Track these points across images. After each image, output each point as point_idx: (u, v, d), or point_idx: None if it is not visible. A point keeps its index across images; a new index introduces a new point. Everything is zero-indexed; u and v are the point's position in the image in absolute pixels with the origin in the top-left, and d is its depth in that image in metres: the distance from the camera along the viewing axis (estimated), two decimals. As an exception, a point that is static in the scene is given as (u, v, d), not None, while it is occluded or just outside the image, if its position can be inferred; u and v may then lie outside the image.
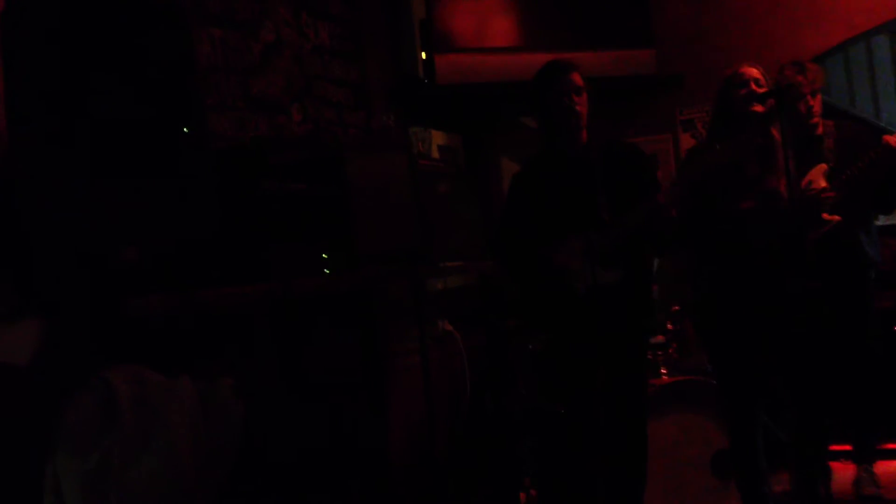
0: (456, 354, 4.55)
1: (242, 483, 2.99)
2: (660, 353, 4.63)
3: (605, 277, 3.78)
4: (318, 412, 3.59)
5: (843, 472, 4.36)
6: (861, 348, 4.47)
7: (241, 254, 3.10)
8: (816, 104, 4.35)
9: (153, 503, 2.56)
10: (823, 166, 4.25)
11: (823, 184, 4.20)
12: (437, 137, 4.98)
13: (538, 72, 4.00)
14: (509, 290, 4.66)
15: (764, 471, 4.01)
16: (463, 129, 5.34)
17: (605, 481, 3.90)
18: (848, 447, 4.59)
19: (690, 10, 6.07)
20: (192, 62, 3.21)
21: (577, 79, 3.88)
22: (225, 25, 3.90)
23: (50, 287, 2.64)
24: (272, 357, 3.45)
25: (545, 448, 4.53)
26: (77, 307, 2.63)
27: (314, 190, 3.46)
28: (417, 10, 5.13)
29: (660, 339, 4.68)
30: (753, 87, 3.89)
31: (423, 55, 5.08)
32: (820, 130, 4.38)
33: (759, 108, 3.86)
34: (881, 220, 4.78)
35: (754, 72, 3.93)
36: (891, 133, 4.12)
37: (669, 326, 4.75)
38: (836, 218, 4.08)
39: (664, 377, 4.54)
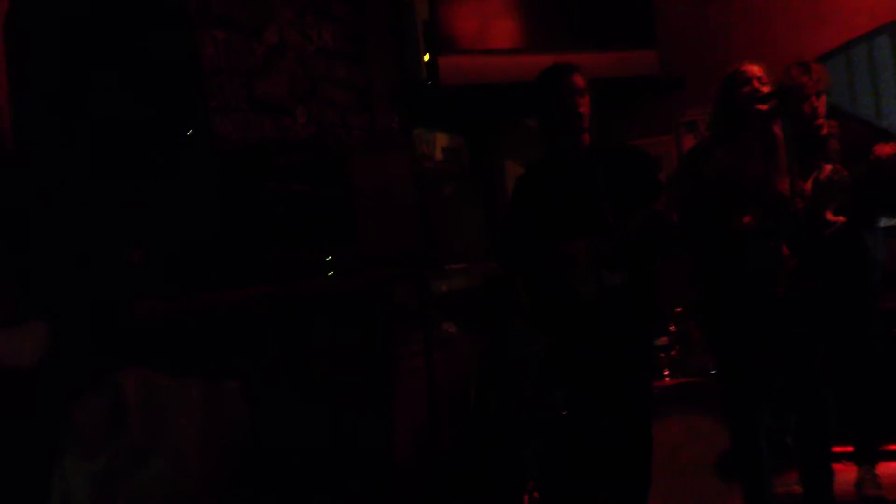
0: (460, 357, 4.55)
1: (247, 484, 2.99)
2: (663, 354, 4.64)
3: (610, 280, 3.79)
4: (322, 414, 3.59)
5: (844, 474, 4.35)
6: (864, 349, 4.47)
7: (245, 256, 3.10)
8: (821, 105, 4.34)
9: (160, 505, 2.57)
10: (829, 167, 4.25)
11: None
12: (441, 139, 4.98)
13: (540, 74, 4.00)
14: (513, 292, 4.66)
15: (768, 472, 4.01)
16: (466, 131, 5.34)
17: (610, 483, 3.90)
18: (850, 448, 4.59)
19: (693, 12, 6.07)
20: (196, 64, 3.22)
21: (579, 81, 3.88)
22: (228, 27, 3.90)
23: (55, 289, 2.64)
24: (276, 359, 3.45)
25: (549, 451, 4.54)
26: (82, 309, 2.63)
27: (318, 192, 3.46)
28: (421, 11, 5.13)
29: (663, 340, 4.69)
30: (756, 84, 3.89)
31: (427, 57, 5.08)
32: (825, 131, 4.37)
33: (762, 107, 3.86)
34: (885, 222, 4.77)
35: (757, 70, 3.93)
36: (891, 135, 4.12)
37: (672, 328, 4.75)
38: (841, 219, 4.08)
39: (667, 379, 4.54)
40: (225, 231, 2.95)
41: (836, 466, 4.09)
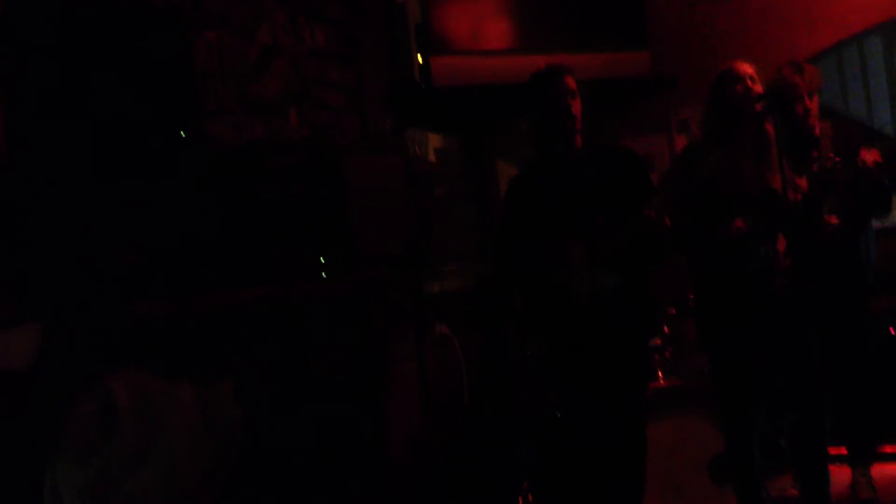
0: (454, 358, 4.55)
1: (242, 486, 2.98)
2: (656, 356, 4.64)
3: (603, 282, 3.79)
4: (317, 415, 3.58)
5: (839, 476, 4.35)
6: (858, 350, 4.48)
7: (239, 257, 3.10)
8: (814, 105, 4.35)
9: (153, 510, 2.56)
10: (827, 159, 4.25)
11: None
12: (434, 140, 4.97)
13: (532, 76, 4.00)
14: (507, 293, 4.66)
15: (761, 475, 4.01)
16: (460, 132, 5.33)
17: (604, 484, 3.90)
18: (844, 450, 4.59)
19: (684, 12, 6.08)
20: (190, 65, 3.21)
21: (570, 82, 3.89)
22: (221, 29, 3.89)
23: (50, 291, 2.63)
24: (271, 360, 3.44)
25: (544, 452, 4.53)
26: (76, 312, 2.62)
27: (311, 193, 3.45)
28: (413, 13, 5.12)
29: (656, 342, 4.69)
30: (749, 84, 3.89)
31: (420, 58, 5.08)
32: (817, 132, 4.38)
33: (756, 106, 3.86)
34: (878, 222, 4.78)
35: (748, 69, 3.94)
36: (883, 136, 4.13)
37: (666, 330, 4.75)
38: (834, 219, 4.09)
39: (661, 381, 4.54)
40: (219, 232, 2.95)
41: (831, 468, 4.09)
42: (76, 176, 2.64)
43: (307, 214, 3.41)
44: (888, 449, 4.85)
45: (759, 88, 3.93)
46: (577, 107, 3.88)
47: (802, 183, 3.88)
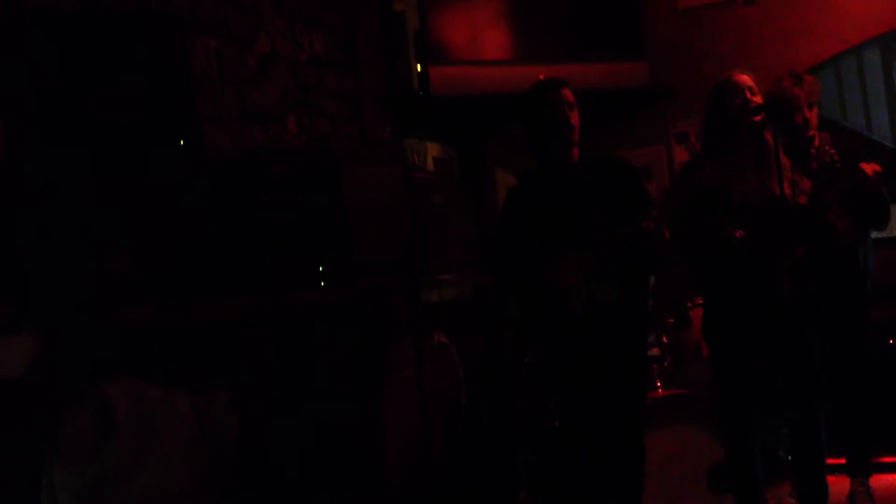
0: (451, 366, 4.54)
1: (238, 494, 2.97)
2: (655, 366, 4.63)
3: (601, 295, 3.79)
4: (315, 423, 3.57)
5: (837, 487, 4.35)
6: (857, 361, 4.48)
7: (237, 265, 3.10)
8: (813, 116, 4.36)
9: (150, 517, 2.55)
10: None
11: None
12: (432, 149, 4.97)
13: (530, 88, 4.01)
14: (504, 302, 4.66)
15: (761, 484, 4.00)
16: (458, 141, 5.34)
17: (602, 494, 3.90)
18: (843, 460, 4.58)
19: (682, 23, 6.09)
20: (188, 72, 3.21)
21: (568, 94, 3.90)
22: (220, 37, 3.89)
23: (45, 298, 2.62)
24: (269, 368, 3.44)
25: (541, 461, 4.52)
26: (73, 319, 2.61)
27: (309, 201, 3.45)
28: (412, 22, 5.14)
29: (655, 352, 4.68)
30: (748, 95, 3.89)
31: (418, 67, 5.08)
32: (816, 142, 4.38)
33: (756, 118, 3.87)
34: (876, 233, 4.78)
35: (747, 80, 3.94)
36: (882, 147, 4.14)
37: (665, 339, 4.74)
38: (839, 223, 4.09)
39: (659, 390, 4.53)
40: (217, 240, 2.94)
41: (830, 479, 4.09)
42: (74, 182, 2.63)
43: (305, 222, 3.40)
44: (887, 459, 4.85)
45: (757, 99, 3.93)
46: (574, 118, 3.89)
47: (805, 187, 3.88)
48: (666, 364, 4.69)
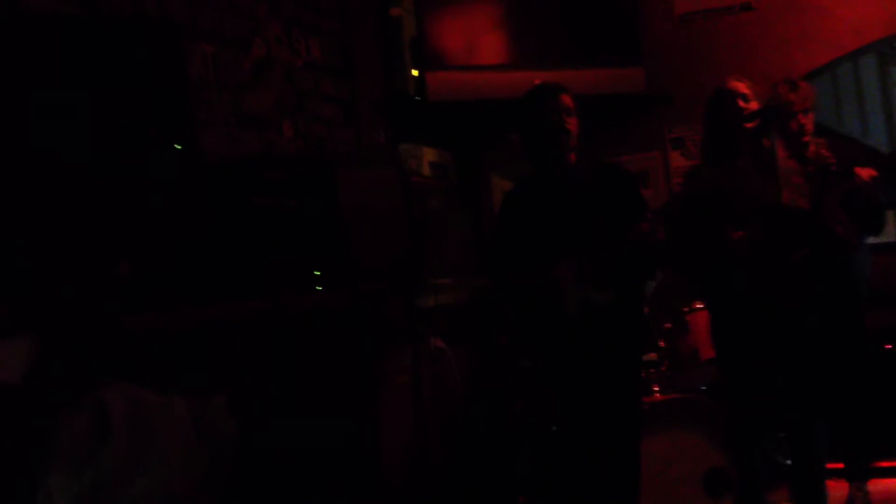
0: (448, 372, 4.54)
1: (236, 498, 2.96)
2: (652, 370, 4.63)
3: (597, 299, 3.79)
4: (311, 428, 3.57)
5: (835, 491, 4.35)
6: (854, 366, 4.47)
7: (233, 269, 3.09)
8: (808, 122, 4.36)
9: (146, 522, 2.54)
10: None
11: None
12: (429, 154, 4.97)
13: (527, 93, 4.02)
14: (501, 307, 4.66)
15: (765, 492, 4.01)
16: (454, 146, 5.34)
17: (599, 499, 3.90)
18: (841, 465, 4.58)
19: (679, 29, 6.10)
20: (185, 78, 3.21)
21: (567, 100, 3.91)
22: (216, 41, 3.89)
23: (43, 302, 2.62)
24: (265, 373, 3.43)
25: (539, 466, 4.52)
26: (70, 323, 2.61)
27: (305, 206, 3.45)
28: (408, 27, 5.14)
29: (652, 356, 4.68)
30: (741, 103, 3.91)
31: (415, 72, 5.09)
32: (812, 149, 4.39)
33: (749, 125, 3.88)
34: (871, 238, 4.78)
35: (742, 87, 3.96)
36: (878, 153, 4.14)
37: (661, 344, 4.74)
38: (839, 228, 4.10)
39: (656, 395, 4.53)
40: (213, 244, 2.94)
41: (828, 483, 4.09)
42: (70, 186, 2.62)
43: (301, 227, 3.40)
44: (885, 463, 4.85)
45: (754, 105, 3.95)
46: (573, 124, 3.90)
47: (804, 192, 3.89)
48: (663, 369, 4.69)
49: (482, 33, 5.43)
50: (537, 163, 4.04)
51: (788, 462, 4.26)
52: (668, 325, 4.77)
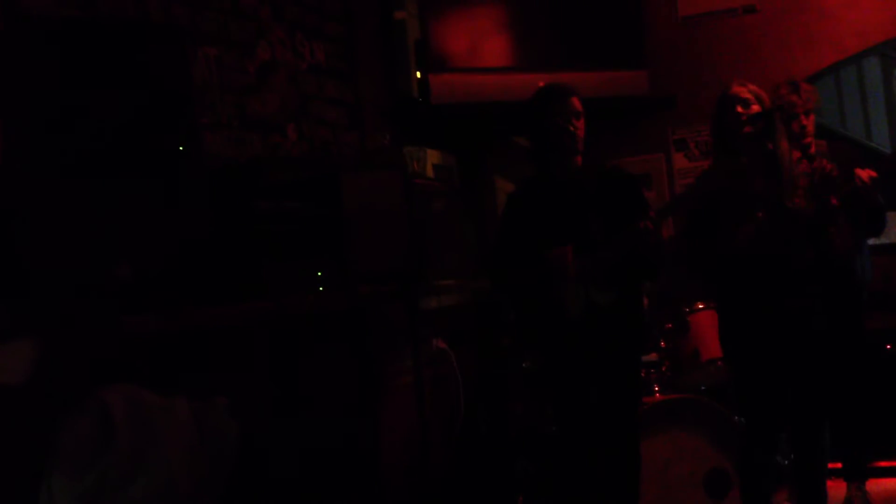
0: (450, 373, 4.55)
1: (238, 499, 2.98)
2: (653, 371, 4.64)
3: (598, 299, 3.81)
4: (313, 429, 3.59)
5: (834, 491, 4.36)
6: (854, 367, 4.48)
7: (236, 272, 3.10)
8: (810, 124, 4.37)
9: (148, 523, 2.56)
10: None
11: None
12: (432, 156, 4.99)
13: (537, 93, 4.02)
14: (503, 308, 4.67)
15: (771, 495, 4.03)
16: (457, 149, 5.35)
17: (599, 500, 3.91)
18: (839, 465, 4.59)
19: (682, 32, 6.11)
20: (189, 81, 3.22)
21: (577, 104, 3.92)
22: (220, 45, 3.91)
23: (45, 304, 2.63)
24: (267, 374, 3.45)
25: (539, 468, 4.53)
26: (71, 325, 2.62)
27: (309, 208, 3.46)
28: (412, 30, 5.15)
29: (653, 356, 4.69)
30: (739, 109, 3.94)
31: (418, 75, 5.10)
32: (813, 150, 4.40)
33: (747, 129, 3.91)
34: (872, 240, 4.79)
35: (742, 92, 3.98)
36: (880, 154, 4.15)
37: (662, 344, 4.75)
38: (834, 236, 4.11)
39: (657, 395, 4.54)
40: (216, 247, 2.95)
41: (827, 483, 4.10)
42: (72, 188, 2.64)
43: (304, 229, 3.41)
44: (883, 463, 4.86)
45: (755, 109, 3.97)
46: (580, 128, 3.92)
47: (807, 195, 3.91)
48: (664, 369, 4.70)
49: (485, 36, 5.44)
50: (542, 164, 4.06)
51: (787, 462, 4.27)
52: (669, 325, 4.79)
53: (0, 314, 2.58)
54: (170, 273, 2.80)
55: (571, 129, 3.88)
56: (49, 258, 2.60)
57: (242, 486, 3.02)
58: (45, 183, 2.63)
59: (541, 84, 4.17)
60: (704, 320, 4.63)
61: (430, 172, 4.96)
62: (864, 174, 3.95)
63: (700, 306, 4.70)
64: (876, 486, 4.62)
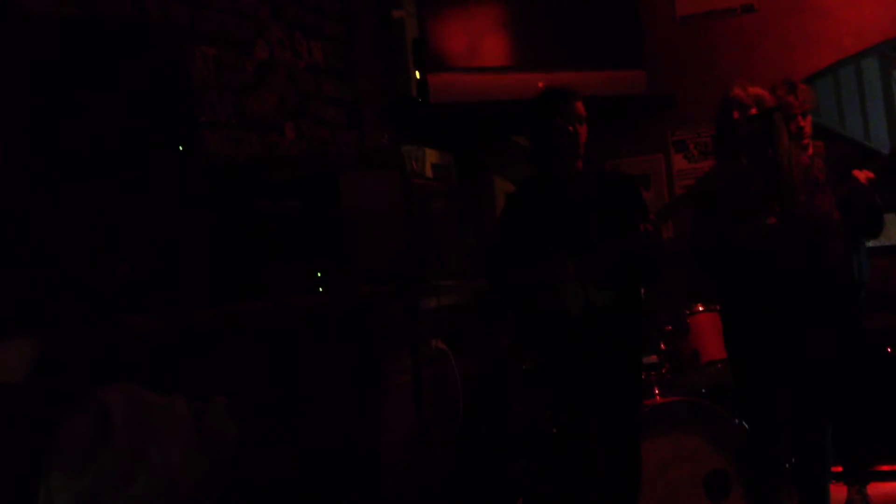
0: (449, 373, 4.55)
1: (237, 499, 2.97)
2: (653, 373, 4.63)
3: (599, 299, 3.80)
4: (311, 430, 3.58)
5: (835, 494, 4.35)
6: (854, 369, 4.48)
7: (234, 272, 3.10)
8: (807, 125, 4.38)
9: (147, 522, 2.55)
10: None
11: None
12: (431, 156, 4.99)
13: (542, 93, 4.02)
14: (502, 308, 4.67)
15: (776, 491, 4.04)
16: (456, 148, 5.35)
17: (599, 501, 3.90)
18: (839, 468, 4.59)
19: (681, 32, 6.10)
20: (187, 80, 3.21)
21: (580, 108, 3.93)
22: (219, 44, 3.90)
23: (44, 303, 2.63)
24: (266, 373, 3.45)
25: (538, 468, 4.53)
26: (70, 325, 2.62)
27: (307, 208, 3.46)
28: (410, 29, 5.15)
29: (653, 359, 4.68)
30: (736, 115, 3.95)
31: (417, 74, 5.10)
32: (810, 151, 4.40)
33: (745, 132, 3.92)
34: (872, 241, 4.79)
35: (741, 95, 3.99)
36: (879, 154, 4.15)
37: (662, 346, 4.75)
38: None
39: (657, 397, 4.54)
40: (215, 246, 2.95)
41: (826, 486, 4.10)
42: (71, 188, 2.63)
43: (303, 229, 3.41)
44: (884, 467, 4.85)
45: (754, 112, 3.98)
46: (583, 134, 3.92)
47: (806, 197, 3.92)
48: (663, 371, 4.70)
49: (484, 35, 5.43)
50: (542, 165, 4.06)
51: (787, 464, 4.26)
52: (669, 327, 4.78)
53: (0, 313, 2.57)
54: (169, 272, 2.80)
55: (571, 129, 3.87)
56: (48, 257, 2.59)
57: (241, 486, 3.01)
58: (45, 182, 2.62)
59: (540, 84, 4.16)
60: (704, 322, 4.63)
61: (428, 172, 4.96)
62: (862, 175, 3.95)
63: (700, 308, 4.70)
64: (876, 489, 4.62)
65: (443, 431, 4.52)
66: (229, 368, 3.24)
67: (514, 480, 4.67)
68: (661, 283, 4.35)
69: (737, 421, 4.33)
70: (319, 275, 3.42)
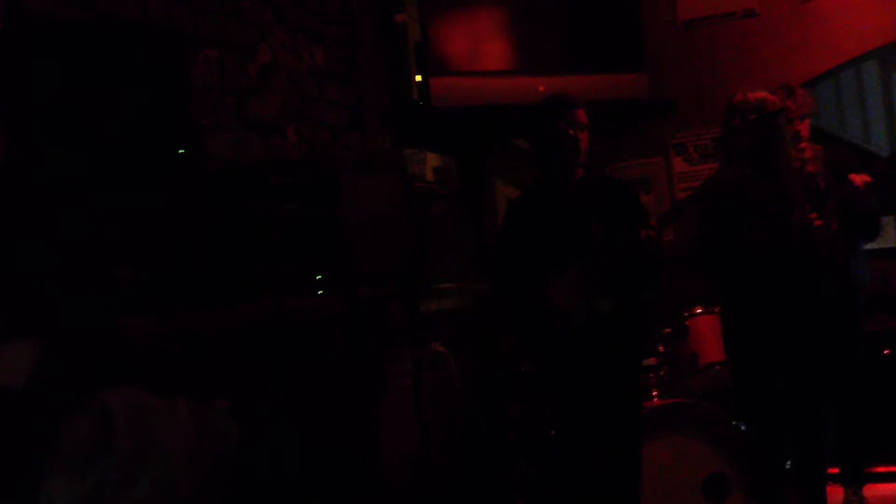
0: (449, 376, 4.56)
1: (238, 501, 2.98)
2: (651, 375, 4.64)
3: (601, 305, 3.82)
4: (312, 432, 3.59)
5: (831, 495, 4.36)
6: (851, 371, 4.49)
7: (235, 274, 3.11)
8: (804, 128, 4.39)
9: (149, 525, 2.56)
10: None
11: None
12: (432, 159, 5.00)
13: (544, 101, 4.04)
14: (503, 312, 4.68)
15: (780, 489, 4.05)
16: (457, 152, 5.36)
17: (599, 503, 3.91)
18: (836, 470, 4.60)
19: (682, 35, 6.11)
20: (189, 82, 3.22)
21: (582, 116, 3.94)
22: (221, 47, 3.91)
23: (42, 307, 2.64)
24: (267, 376, 3.45)
25: (538, 472, 4.54)
26: (71, 328, 2.62)
27: (309, 211, 3.47)
28: (413, 33, 5.16)
29: (651, 361, 4.69)
30: (736, 122, 3.97)
31: (419, 78, 5.11)
32: (808, 154, 4.41)
33: (745, 136, 3.94)
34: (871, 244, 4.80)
35: (742, 102, 4.01)
36: (878, 158, 4.16)
37: (661, 349, 4.76)
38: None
39: (655, 400, 4.54)
40: (216, 249, 2.96)
41: (824, 488, 4.11)
42: (73, 191, 2.64)
43: (304, 232, 3.42)
44: (880, 468, 4.86)
45: (754, 117, 3.99)
46: (585, 141, 3.93)
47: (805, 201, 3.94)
48: (662, 374, 4.71)
49: (486, 39, 5.44)
50: (544, 170, 4.07)
51: (787, 466, 4.28)
52: (668, 329, 4.79)
53: (0, 316, 2.58)
54: (170, 275, 2.81)
55: (572, 133, 3.88)
56: (49, 260, 2.60)
57: (243, 489, 3.02)
58: (46, 185, 2.63)
59: (541, 88, 4.17)
60: (703, 325, 4.64)
61: (429, 175, 4.97)
62: (859, 179, 3.97)
63: (699, 311, 4.71)
64: (873, 490, 4.63)
65: (443, 434, 4.53)
66: (230, 371, 3.24)
67: (514, 483, 4.68)
68: (660, 286, 4.36)
69: (735, 423, 4.34)
70: (320, 277, 3.43)
